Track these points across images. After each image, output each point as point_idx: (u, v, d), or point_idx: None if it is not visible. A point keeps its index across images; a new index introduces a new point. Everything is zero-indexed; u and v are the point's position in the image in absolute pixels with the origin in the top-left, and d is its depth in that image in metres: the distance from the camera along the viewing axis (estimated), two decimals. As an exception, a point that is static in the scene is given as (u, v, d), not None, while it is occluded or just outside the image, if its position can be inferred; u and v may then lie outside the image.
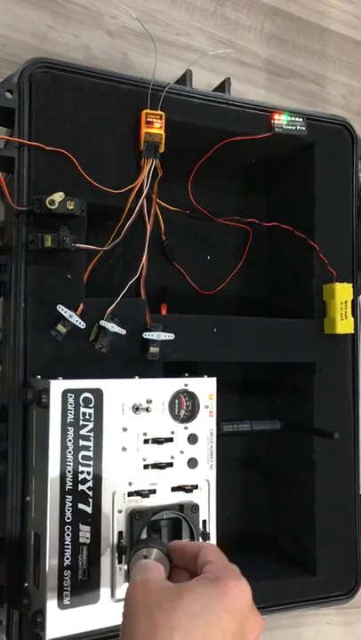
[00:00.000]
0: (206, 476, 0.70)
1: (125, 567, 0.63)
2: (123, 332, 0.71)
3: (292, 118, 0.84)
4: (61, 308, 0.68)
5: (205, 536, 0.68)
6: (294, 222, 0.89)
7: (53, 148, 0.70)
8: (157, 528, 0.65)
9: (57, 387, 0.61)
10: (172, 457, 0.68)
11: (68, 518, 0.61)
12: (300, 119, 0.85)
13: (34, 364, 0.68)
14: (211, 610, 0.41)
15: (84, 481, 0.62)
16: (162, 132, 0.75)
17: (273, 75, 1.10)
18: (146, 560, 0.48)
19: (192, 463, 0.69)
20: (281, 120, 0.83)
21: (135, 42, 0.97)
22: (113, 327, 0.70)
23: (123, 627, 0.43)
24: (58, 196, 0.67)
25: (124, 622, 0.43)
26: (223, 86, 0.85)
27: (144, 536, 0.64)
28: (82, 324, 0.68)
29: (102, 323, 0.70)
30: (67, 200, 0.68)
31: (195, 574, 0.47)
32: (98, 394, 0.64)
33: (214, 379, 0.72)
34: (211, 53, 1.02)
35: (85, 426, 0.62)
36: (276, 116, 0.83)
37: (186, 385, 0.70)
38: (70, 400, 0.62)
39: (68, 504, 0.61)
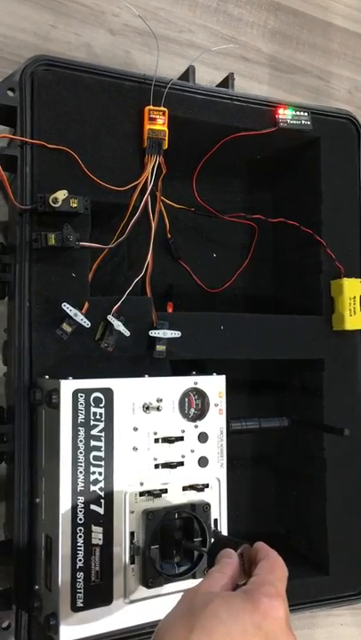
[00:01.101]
0: (217, 474, 0.69)
1: (137, 567, 0.62)
2: (127, 333, 0.70)
3: (297, 113, 0.83)
4: (66, 307, 0.67)
5: (217, 535, 0.67)
6: (300, 218, 0.88)
7: (56, 146, 0.69)
8: (170, 528, 0.64)
9: (67, 387, 0.60)
10: (183, 456, 0.67)
11: (81, 520, 0.60)
12: (305, 113, 0.84)
13: (39, 363, 0.67)
14: (237, 619, 0.41)
15: (96, 482, 0.61)
16: (165, 128, 0.74)
17: (277, 71, 1.09)
18: (221, 569, 0.48)
19: (203, 462, 0.68)
20: (286, 115, 0.83)
21: (137, 40, 0.97)
22: (119, 325, 0.69)
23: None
24: (61, 194, 0.67)
25: (167, 613, 0.44)
26: (227, 82, 0.84)
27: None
28: (87, 323, 0.68)
29: (109, 318, 0.69)
30: (70, 198, 0.67)
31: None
32: (108, 393, 0.63)
33: (223, 376, 0.71)
34: (214, 49, 1.01)
35: (96, 426, 0.62)
36: (280, 111, 0.82)
37: (196, 383, 0.69)
38: (81, 400, 0.61)
39: (80, 505, 0.60)
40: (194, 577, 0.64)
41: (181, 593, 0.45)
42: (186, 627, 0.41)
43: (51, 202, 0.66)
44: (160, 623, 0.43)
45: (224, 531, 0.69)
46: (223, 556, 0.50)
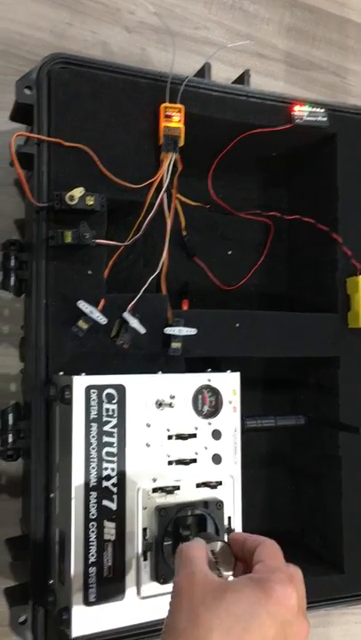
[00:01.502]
0: (231, 472, 0.69)
1: (150, 563, 0.63)
2: (142, 330, 0.70)
3: (313, 109, 0.83)
4: (82, 304, 0.67)
5: (230, 532, 0.67)
6: (316, 215, 0.88)
7: (72, 144, 0.69)
8: (182, 525, 0.64)
9: (80, 383, 0.61)
10: (197, 453, 0.67)
11: (93, 515, 0.60)
12: (322, 110, 0.83)
13: (56, 360, 0.68)
14: (253, 613, 0.40)
15: (109, 477, 0.61)
16: (181, 125, 0.74)
17: (293, 67, 1.09)
18: (190, 552, 0.47)
19: (216, 459, 0.68)
20: (302, 111, 0.82)
21: (153, 37, 0.97)
22: (134, 322, 0.69)
23: (167, 617, 0.43)
24: (77, 192, 0.67)
25: (169, 612, 0.43)
26: (242, 78, 0.84)
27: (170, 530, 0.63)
28: (103, 320, 0.68)
29: (125, 315, 0.69)
30: (86, 195, 0.68)
31: (250, 568, 0.46)
32: (121, 390, 0.63)
33: (238, 374, 0.71)
34: (229, 46, 1.01)
35: (109, 422, 0.62)
36: (296, 108, 0.82)
37: (209, 380, 0.69)
38: (93, 396, 0.61)
39: (93, 501, 0.60)
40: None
41: None
42: (204, 627, 0.40)
43: (67, 199, 0.67)
44: (166, 622, 0.42)
45: (238, 528, 0.69)
46: (184, 544, 0.49)
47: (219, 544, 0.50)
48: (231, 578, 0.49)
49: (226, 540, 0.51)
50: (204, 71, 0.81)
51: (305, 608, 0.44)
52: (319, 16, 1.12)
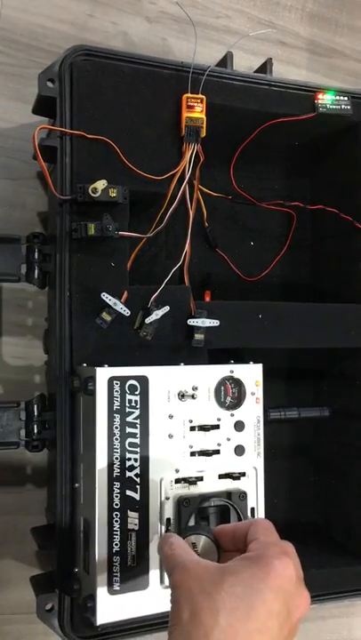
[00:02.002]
0: (254, 463, 0.69)
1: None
2: (167, 308, 0.70)
3: (337, 97, 0.82)
4: (106, 296, 0.68)
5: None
6: (340, 205, 0.87)
7: (95, 136, 0.69)
8: (205, 515, 0.65)
9: (103, 374, 0.61)
10: (219, 444, 0.67)
11: (117, 505, 0.61)
12: (346, 98, 0.82)
13: (79, 352, 0.68)
14: (254, 590, 0.41)
15: (132, 468, 0.62)
16: (203, 115, 0.74)
17: (315, 55, 1.07)
18: (170, 549, 0.47)
19: (239, 450, 0.68)
20: (325, 100, 0.81)
21: (174, 27, 0.96)
22: (158, 314, 0.69)
23: (170, 613, 0.43)
24: (100, 184, 0.67)
25: (171, 609, 0.43)
26: (265, 67, 0.83)
27: (192, 523, 0.64)
28: (126, 312, 0.68)
29: (147, 320, 0.69)
30: (109, 188, 0.68)
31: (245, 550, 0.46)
32: (143, 381, 0.63)
33: (260, 365, 0.71)
34: (251, 34, 1.00)
35: (132, 413, 0.62)
36: (320, 96, 0.81)
37: (232, 372, 0.69)
38: (116, 387, 0.62)
39: (117, 491, 0.61)
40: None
41: None
42: (209, 612, 0.40)
43: (90, 192, 0.67)
44: (172, 617, 0.42)
45: (261, 519, 0.69)
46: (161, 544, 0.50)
47: (202, 538, 0.50)
48: None
49: (208, 533, 0.51)
50: (226, 60, 0.80)
51: (302, 577, 0.44)
52: (342, 2, 1.10)
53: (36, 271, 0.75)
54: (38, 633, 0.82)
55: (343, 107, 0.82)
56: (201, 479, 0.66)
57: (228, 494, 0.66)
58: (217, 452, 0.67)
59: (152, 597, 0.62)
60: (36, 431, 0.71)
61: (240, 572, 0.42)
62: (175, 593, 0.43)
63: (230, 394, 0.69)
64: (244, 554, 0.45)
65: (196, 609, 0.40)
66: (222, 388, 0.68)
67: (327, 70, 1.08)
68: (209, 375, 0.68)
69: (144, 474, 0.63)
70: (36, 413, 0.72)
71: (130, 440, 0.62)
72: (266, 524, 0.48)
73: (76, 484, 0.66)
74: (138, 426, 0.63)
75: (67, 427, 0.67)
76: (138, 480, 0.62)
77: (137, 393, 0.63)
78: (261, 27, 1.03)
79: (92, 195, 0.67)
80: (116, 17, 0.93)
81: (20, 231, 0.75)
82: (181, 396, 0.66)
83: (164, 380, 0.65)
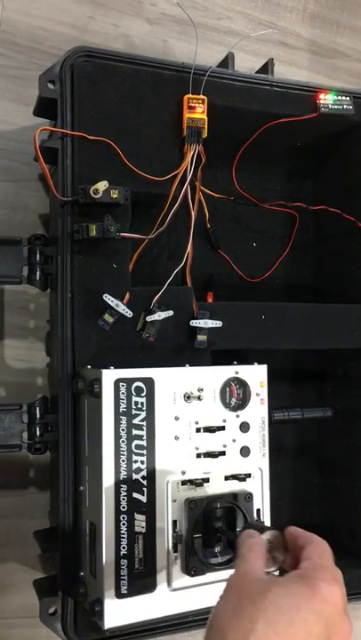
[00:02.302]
0: (259, 464, 0.69)
1: (180, 555, 0.63)
2: (170, 312, 0.69)
3: (339, 97, 0.82)
4: (108, 298, 0.68)
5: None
6: (342, 205, 0.87)
7: (96, 137, 0.69)
8: (212, 517, 0.64)
9: (109, 376, 0.61)
10: (225, 445, 0.67)
11: (124, 507, 0.60)
12: (347, 98, 0.82)
13: (82, 354, 0.68)
14: (297, 608, 0.40)
15: (138, 470, 0.62)
16: (204, 116, 0.74)
17: (317, 55, 1.07)
18: (247, 553, 0.48)
19: (245, 451, 0.68)
20: (327, 100, 0.81)
21: (175, 28, 0.96)
22: (160, 315, 0.69)
23: (214, 607, 0.43)
24: (102, 185, 0.67)
25: (216, 603, 0.44)
26: (266, 68, 0.83)
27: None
28: (129, 313, 0.68)
29: (149, 318, 0.69)
30: (110, 189, 0.68)
31: (298, 564, 0.46)
32: (149, 383, 0.63)
33: (265, 366, 0.71)
34: (252, 35, 1.00)
35: (138, 415, 0.62)
36: (321, 96, 0.81)
37: (237, 373, 0.68)
38: (122, 389, 0.61)
39: (123, 493, 0.60)
40: (237, 566, 0.64)
41: (224, 582, 0.45)
42: (248, 618, 0.40)
43: (91, 193, 0.67)
44: (213, 615, 0.43)
45: (267, 521, 0.69)
46: (246, 536, 0.50)
47: (273, 532, 0.51)
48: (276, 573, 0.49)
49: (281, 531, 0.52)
50: (227, 61, 0.80)
51: (346, 608, 0.44)
52: (344, 3, 1.10)
53: (38, 273, 0.74)
54: (42, 637, 0.81)
55: (345, 107, 0.82)
56: (207, 481, 0.66)
57: (235, 496, 0.66)
58: (223, 453, 0.67)
59: (159, 600, 0.62)
60: (38, 434, 0.71)
61: (288, 587, 0.42)
62: (225, 590, 0.44)
63: (235, 395, 0.69)
64: (296, 571, 0.45)
65: (238, 611, 0.41)
66: (227, 389, 0.68)
67: (329, 71, 1.08)
68: (214, 376, 0.67)
69: (151, 476, 0.62)
70: (38, 416, 0.71)
71: (136, 442, 0.62)
72: (324, 547, 0.47)
73: (81, 487, 0.65)
74: (144, 428, 0.62)
75: (69, 429, 0.67)
76: (144, 482, 0.62)
77: (143, 395, 0.62)
78: (263, 28, 1.03)
79: (94, 196, 0.67)
80: (117, 19, 0.93)
81: (22, 234, 0.75)
82: (187, 397, 0.65)
83: (170, 381, 0.65)
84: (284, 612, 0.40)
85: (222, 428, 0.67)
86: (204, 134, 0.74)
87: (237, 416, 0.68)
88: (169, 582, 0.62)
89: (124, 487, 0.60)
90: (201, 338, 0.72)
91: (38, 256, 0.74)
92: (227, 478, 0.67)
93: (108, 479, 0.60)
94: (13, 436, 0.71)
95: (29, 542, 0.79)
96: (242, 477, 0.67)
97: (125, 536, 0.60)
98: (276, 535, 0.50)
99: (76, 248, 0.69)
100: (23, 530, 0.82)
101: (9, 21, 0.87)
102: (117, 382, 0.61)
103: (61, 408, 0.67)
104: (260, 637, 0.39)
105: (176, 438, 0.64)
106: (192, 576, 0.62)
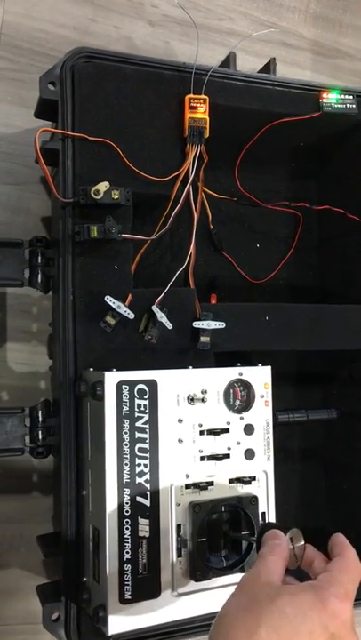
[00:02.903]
0: (264, 467, 0.68)
1: (184, 560, 0.62)
2: (169, 325, 0.69)
3: (342, 96, 0.81)
4: (110, 299, 0.67)
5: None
6: (346, 205, 0.86)
7: (97, 138, 0.69)
8: (217, 521, 0.63)
9: (111, 378, 0.60)
10: (229, 448, 0.66)
11: (127, 512, 0.59)
12: (350, 97, 0.81)
13: (84, 356, 0.67)
14: (305, 617, 0.40)
15: (142, 474, 0.61)
16: (206, 116, 0.73)
17: (319, 55, 1.07)
18: (269, 555, 0.47)
19: (249, 454, 0.67)
20: (330, 99, 0.80)
21: (177, 30, 0.96)
22: (162, 317, 0.68)
23: (223, 605, 0.44)
24: (103, 186, 0.67)
25: (226, 601, 0.44)
26: (268, 67, 0.82)
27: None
28: (131, 315, 0.67)
29: (153, 308, 0.68)
30: (112, 190, 0.67)
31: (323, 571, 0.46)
32: (152, 385, 0.62)
33: (269, 367, 0.70)
34: (254, 35, 1.00)
35: (141, 417, 0.61)
36: (324, 95, 0.80)
37: (240, 374, 0.68)
38: (125, 392, 0.61)
39: (127, 497, 0.60)
40: (242, 570, 0.63)
41: (229, 586, 0.45)
42: (253, 620, 0.40)
43: (92, 194, 0.66)
44: (221, 612, 0.43)
45: (272, 525, 0.68)
46: (270, 537, 0.50)
47: (293, 530, 0.51)
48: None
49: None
50: (228, 61, 0.80)
51: (354, 624, 0.43)
52: (346, 3, 1.10)
53: (40, 275, 0.74)
54: (46, 644, 0.81)
55: (348, 106, 0.81)
56: (211, 484, 0.65)
57: (239, 499, 0.65)
58: (227, 456, 0.66)
59: (164, 606, 0.61)
60: (40, 437, 0.70)
61: (297, 596, 0.42)
62: (237, 589, 0.44)
63: (239, 397, 0.68)
64: (311, 581, 0.45)
65: (245, 612, 0.41)
66: (231, 391, 0.67)
67: (332, 71, 1.07)
68: (218, 378, 0.67)
69: (154, 480, 0.61)
70: (40, 419, 0.71)
71: (139, 445, 0.61)
72: (352, 564, 0.47)
73: (84, 492, 0.65)
74: (147, 431, 0.61)
75: (72, 432, 0.66)
76: (148, 486, 0.61)
77: (146, 397, 0.62)
78: (264, 28, 1.02)
79: (95, 197, 0.66)
80: (119, 21, 0.93)
81: (24, 236, 0.75)
82: (191, 399, 0.65)
83: (173, 383, 0.64)
84: (291, 621, 0.40)
85: (226, 431, 0.66)
86: (206, 134, 0.74)
87: (241, 418, 0.67)
88: (173, 587, 0.61)
89: (127, 491, 0.60)
90: (204, 339, 0.72)
91: (40, 258, 0.74)
92: (231, 481, 0.66)
93: (111, 483, 0.59)
94: (15, 439, 0.70)
95: (32, 547, 0.78)
96: (246, 480, 0.66)
97: (129, 541, 0.59)
98: (296, 533, 0.50)
99: (77, 250, 0.68)
100: (26, 535, 0.82)
101: (10, 24, 0.87)
102: (120, 385, 0.60)
103: (64, 411, 0.66)
104: None
105: (180, 441, 0.63)
106: (197, 581, 0.61)
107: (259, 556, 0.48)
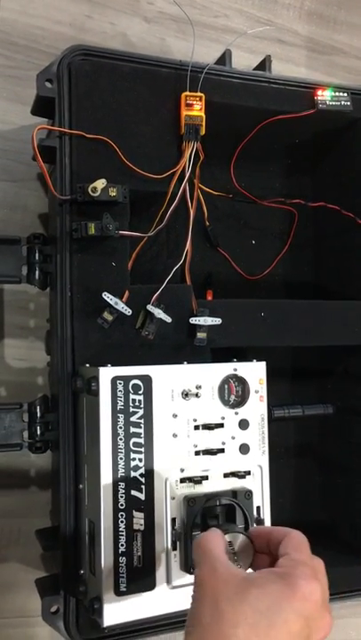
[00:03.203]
0: (259, 461, 0.69)
1: (179, 553, 0.63)
2: (168, 319, 0.70)
3: (337, 94, 0.81)
4: (107, 296, 0.67)
5: (260, 522, 0.67)
6: (341, 202, 0.86)
7: (94, 136, 0.69)
8: (211, 515, 0.64)
9: (106, 374, 0.61)
10: (224, 443, 0.67)
11: (122, 505, 0.60)
12: (345, 94, 0.82)
13: (81, 352, 0.68)
14: (278, 608, 0.40)
15: (136, 468, 0.62)
16: (202, 113, 0.74)
17: (314, 52, 1.07)
18: (208, 544, 0.47)
19: (244, 449, 0.68)
20: (325, 96, 0.81)
21: (172, 27, 0.96)
22: (159, 313, 0.69)
23: (190, 610, 0.43)
24: (100, 184, 0.67)
25: (192, 606, 0.43)
26: (263, 65, 0.83)
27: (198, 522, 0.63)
28: (128, 311, 0.68)
29: (149, 307, 0.69)
30: (109, 187, 0.68)
31: (276, 560, 0.46)
32: (147, 380, 0.63)
33: (264, 363, 0.70)
34: (249, 32, 1.00)
35: (135, 412, 0.62)
36: (319, 92, 0.81)
37: (235, 370, 0.68)
38: (120, 387, 0.61)
39: (121, 491, 0.60)
40: (236, 563, 0.64)
41: None
42: (228, 623, 0.40)
43: (90, 191, 0.67)
44: (190, 618, 0.42)
45: (267, 518, 0.68)
46: (201, 537, 0.49)
47: (240, 536, 0.49)
48: (250, 571, 0.49)
49: (247, 533, 0.51)
50: (224, 58, 0.80)
51: (328, 600, 0.44)
52: (340, 0, 1.10)
53: (37, 272, 0.74)
54: (44, 636, 0.82)
55: (343, 103, 0.82)
56: (206, 478, 0.65)
57: (234, 493, 0.66)
58: (222, 450, 0.67)
59: (159, 598, 0.61)
60: (38, 432, 0.71)
61: (266, 587, 0.42)
62: (198, 590, 0.43)
63: (234, 392, 0.68)
64: (273, 568, 0.45)
65: (217, 616, 0.40)
66: (226, 386, 0.68)
67: (326, 68, 1.08)
68: (212, 374, 0.67)
69: (149, 474, 0.62)
70: (38, 415, 0.71)
71: (134, 440, 0.62)
72: (300, 538, 0.47)
73: (80, 486, 0.65)
74: (142, 425, 0.62)
75: (70, 428, 0.67)
76: (143, 480, 0.62)
77: (140, 392, 0.62)
78: (260, 25, 1.02)
79: (92, 194, 0.67)
80: (115, 18, 0.93)
81: (21, 233, 0.75)
82: (185, 394, 0.65)
83: (168, 379, 0.64)
84: (265, 616, 0.40)
85: (221, 426, 0.67)
86: (202, 131, 0.74)
87: (236, 413, 0.68)
88: (168, 580, 0.62)
89: (122, 485, 0.60)
90: (201, 335, 0.72)
91: (37, 255, 0.74)
92: (226, 476, 0.67)
93: (106, 477, 0.60)
94: (14, 434, 0.71)
95: (31, 541, 0.79)
96: (241, 475, 0.67)
97: (124, 534, 0.60)
98: (244, 540, 0.49)
99: (74, 247, 0.69)
100: (25, 529, 0.82)
101: (6, 21, 0.87)
102: (115, 380, 0.61)
103: (61, 407, 0.67)
104: None
105: (174, 436, 0.64)
106: (191, 573, 0.62)
107: (203, 552, 0.46)
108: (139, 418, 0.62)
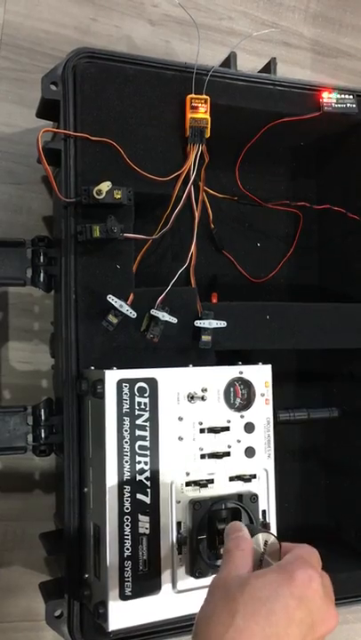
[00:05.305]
0: (264, 465, 0.68)
1: (185, 557, 0.62)
2: (174, 320, 0.69)
3: (342, 96, 0.81)
4: (112, 299, 0.67)
5: (265, 526, 0.66)
6: (347, 204, 0.86)
7: (99, 138, 0.69)
8: (217, 518, 0.64)
9: (112, 376, 0.61)
10: (229, 446, 0.67)
11: (127, 509, 0.60)
12: (351, 96, 0.81)
13: (86, 355, 0.68)
14: (277, 595, 0.41)
15: (142, 471, 0.61)
16: (207, 116, 0.74)
17: (320, 55, 1.07)
18: (234, 551, 0.48)
19: (249, 452, 0.68)
20: (330, 98, 0.81)
21: (177, 29, 0.96)
22: (164, 316, 0.69)
23: (200, 608, 0.44)
24: (105, 186, 0.67)
25: (200, 608, 0.44)
26: (269, 67, 0.83)
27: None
28: (133, 314, 0.68)
29: (153, 312, 0.69)
30: (114, 189, 0.68)
31: None
32: (153, 383, 0.63)
33: (269, 366, 0.70)
34: (255, 34, 1.00)
35: (141, 415, 0.62)
36: (324, 95, 0.81)
37: (241, 373, 0.68)
38: (125, 390, 0.61)
39: (127, 494, 0.60)
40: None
41: None
42: (228, 612, 0.40)
43: (95, 194, 0.67)
44: (198, 614, 0.43)
45: (273, 522, 0.68)
46: (232, 530, 0.50)
47: (272, 537, 0.50)
48: None
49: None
50: (229, 61, 0.80)
51: (331, 595, 0.44)
52: (346, 2, 1.10)
53: (42, 275, 0.74)
54: (48, 640, 0.81)
55: (348, 105, 0.81)
56: (212, 482, 0.65)
57: (240, 497, 0.65)
58: (227, 454, 0.67)
59: (164, 602, 0.61)
60: (43, 436, 0.71)
61: (265, 577, 0.42)
62: (208, 590, 0.45)
63: (240, 395, 0.68)
64: (274, 564, 0.46)
65: (217, 610, 0.41)
66: (232, 389, 0.68)
67: (332, 70, 1.08)
68: (218, 376, 0.67)
69: (154, 477, 0.62)
70: (42, 418, 0.71)
71: (140, 443, 0.61)
72: (310, 549, 0.47)
73: (85, 489, 0.65)
74: (147, 428, 0.62)
75: (74, 431, 0.67)
76: (148, 483, 0.61)
77: (146, 395, 0.62)
78: (265, 28, 1.03)
79: (97, 197, 0.67)
80: (120, 20, 0.93)
81: (25, 236, 0.75)
82: (191, 397, 0.65)
83: (173, 381, 0.64)
84: (264, 603, 0.40)
85: (227, 429, 0.67)
86: (207, 134, 0.74)
87: (242, 416, 0.68)
88: (174, 584, 0.62)
89: (127, 488, 0.60)
90: (205, 338, 0.72)
91: (42, 258, 0.74)
92: (231, 479, 0.66)
93: (111, 480, 0.60)
94: (18, 438, 0.71)
95: (35, 545, 0.79)
96: (247, 478, 0.67)
97: (129, 537, 0.60)
98: (274, 542, 0.49)
99: (79, 249, 0.69)
100: (29, 533, 0.82)
101: (11, 24, 0.87)
102: (120, 383, 0.61)
103: (66, 410, 0.67)
104: (241, 629, 0.39)
105: (180, 439, 0.64)
106: (197, 578, 0.62)
107: (226, 552, 0.48)
108: (144, 421, 0.62)
